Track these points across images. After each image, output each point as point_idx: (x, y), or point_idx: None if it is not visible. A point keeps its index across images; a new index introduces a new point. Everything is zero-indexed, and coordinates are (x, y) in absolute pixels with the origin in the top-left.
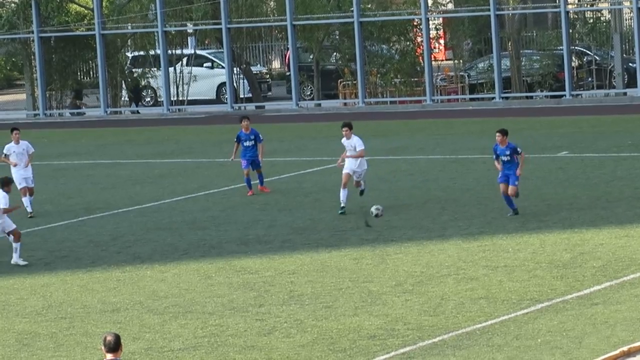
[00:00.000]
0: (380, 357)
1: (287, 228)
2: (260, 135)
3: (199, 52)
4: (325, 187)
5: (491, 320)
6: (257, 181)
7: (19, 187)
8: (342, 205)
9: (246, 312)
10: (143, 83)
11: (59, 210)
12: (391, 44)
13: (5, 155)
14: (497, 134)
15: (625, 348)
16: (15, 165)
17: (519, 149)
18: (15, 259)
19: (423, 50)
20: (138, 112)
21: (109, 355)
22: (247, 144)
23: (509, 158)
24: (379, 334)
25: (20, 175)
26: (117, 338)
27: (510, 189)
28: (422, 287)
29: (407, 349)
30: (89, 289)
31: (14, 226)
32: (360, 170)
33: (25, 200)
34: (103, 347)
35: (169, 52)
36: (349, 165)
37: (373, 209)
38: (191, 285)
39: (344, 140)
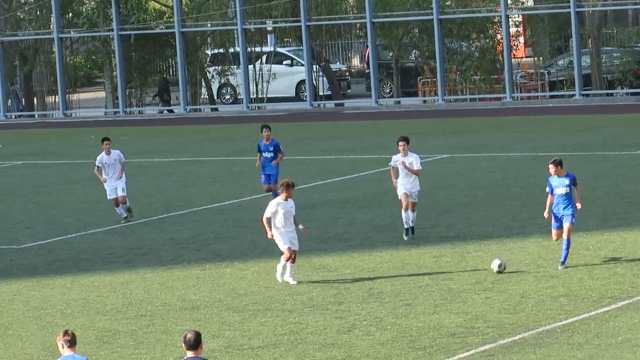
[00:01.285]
0: (460, 355)
1: (367, 226)
2: (280, 146)
3: (278, 49)
4: None
5: (571, 318)
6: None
7: (109, 197)
8: (405, 227)
9: (326, 309)
10: (223, 81)
11: (139, 208)
12: (471, 41)
13: (98, 167)
14: (550, 166)
15: None
16: (104, 181)
17: (576, 180)
18: (287, 276)
19: (503, 48)
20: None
21: (190, 353)
22: (266, 155)
23: (568, 190)
24: (458, 332)
25: (110, 186)
26: (198, 335)
27: (567, 228)
28: (502, 285)
29: (487, 347)
30: (169, 286)
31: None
32: (414, 191)
33: (119, 210)
34: (183, 345)
35: (249, 49)
36: (404, 185)
37: (496, 265)
38: (271, 283)
39: (398, 156)
